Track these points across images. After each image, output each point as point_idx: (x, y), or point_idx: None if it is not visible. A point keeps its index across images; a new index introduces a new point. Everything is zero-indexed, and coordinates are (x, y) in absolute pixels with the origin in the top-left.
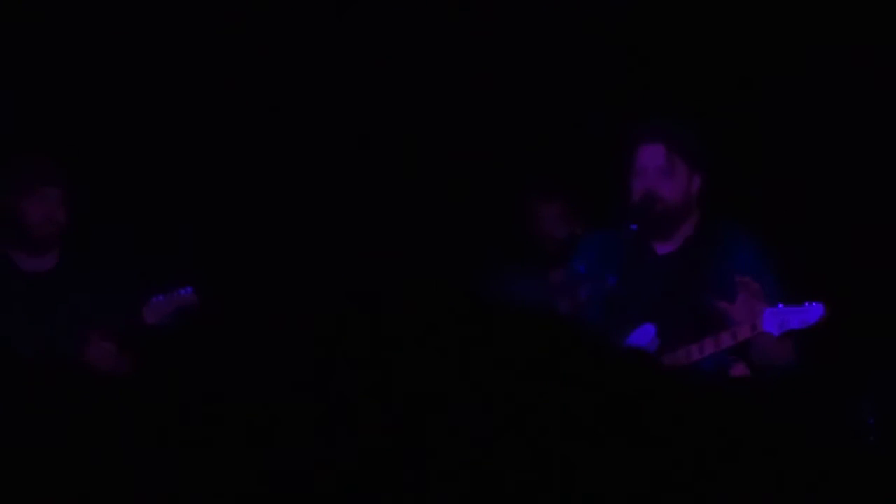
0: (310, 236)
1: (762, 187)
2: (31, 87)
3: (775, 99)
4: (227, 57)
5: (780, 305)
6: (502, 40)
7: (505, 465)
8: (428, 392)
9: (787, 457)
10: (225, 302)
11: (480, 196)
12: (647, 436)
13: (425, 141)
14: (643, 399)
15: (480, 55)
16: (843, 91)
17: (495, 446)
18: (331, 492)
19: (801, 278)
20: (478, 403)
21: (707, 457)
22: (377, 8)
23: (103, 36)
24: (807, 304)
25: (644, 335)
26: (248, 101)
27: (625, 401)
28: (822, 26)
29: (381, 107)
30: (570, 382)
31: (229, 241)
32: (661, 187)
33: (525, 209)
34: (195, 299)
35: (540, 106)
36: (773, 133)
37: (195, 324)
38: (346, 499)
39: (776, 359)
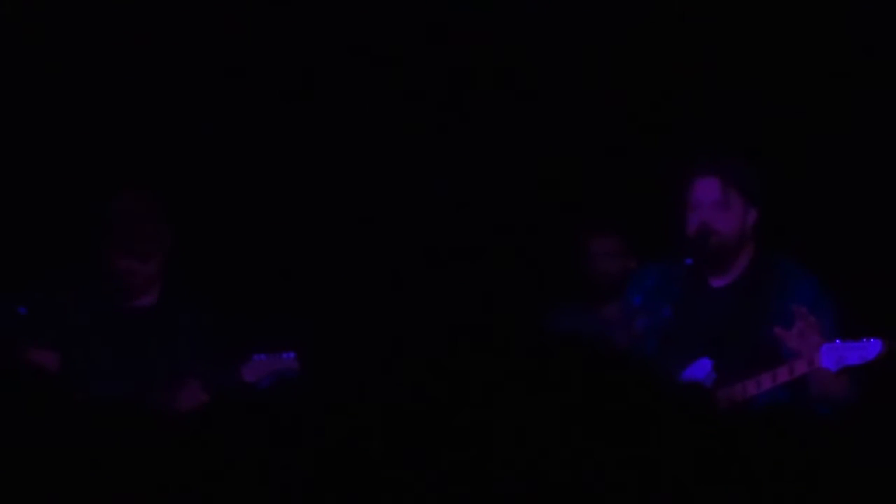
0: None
1: (818, 221)
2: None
3: (832, 132)
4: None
5: (838, 341)
6: (556, 73)
7: (562, 500)
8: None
9: (846, 494)
10: (324, 372)
11: (534, 233)
12: (702, 471)
13: (480, 178)
14: (700, 434)
15: (535, 89)
16: None
17: (552, 481)
18: None
19: (858, 315)
20: (535, 438)
21: (765, 494)
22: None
23: (190, 70)
24: (865, 340)
25: (700, 369)
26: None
27: (682, 435)
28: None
29: (436, 144)
30: (627, 417)
31: (335, 310)
32: (717, 221)
33: (578, 245)
34: (296, 365)
35: (594, 141)
36: (829, 166)
37: (291, 389)
38: None
39: (834, 394)
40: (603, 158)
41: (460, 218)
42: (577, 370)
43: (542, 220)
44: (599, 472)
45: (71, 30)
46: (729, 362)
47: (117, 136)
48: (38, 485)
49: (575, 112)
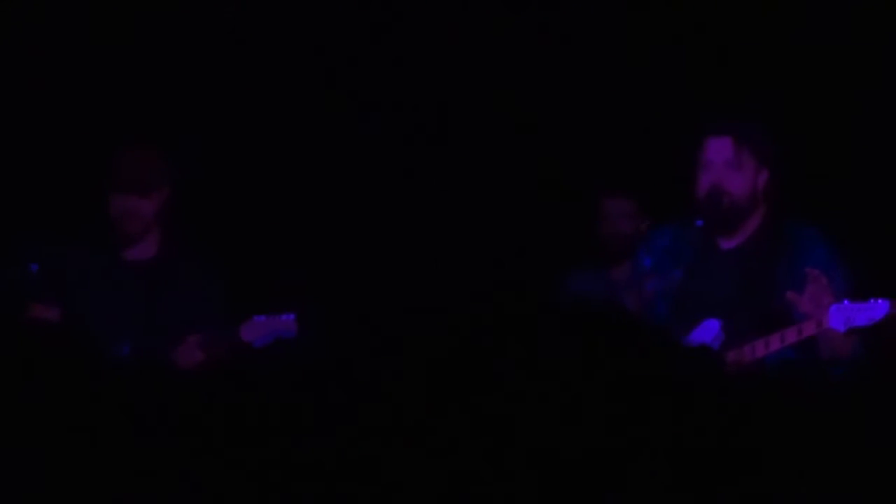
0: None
1: (831, 183)
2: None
3: (846, 97)
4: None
5: (846, 302)
6: (566, 38)
7: (565, 458)
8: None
9: (854, 457)
10: (323, 334)
11: (547, 193)
12: (707, 432)
13: (494, 139)
14: (707, 396)
15: (548, 52)
16: None
17: (555, 441)
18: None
19: (870, 275)
20: (537, 398)
21: (772, 455)
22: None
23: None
24: (872, 300)
25: (709, 330)
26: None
27: (687, 397)
28: None
29: (449, 106)
30: (632, 378)
31: (338, 272)
32: (728, 181)
33: (592, 205)
34: (295, 327)
35: (606, 103)
36: (844, 129)
37: (289, 351)
38: None
39: (843, 355)
40: (617, 121)
41: (474, 181)
42: (588, 335)
43: (558, 183)
44: (612, 438)
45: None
46: (738, 324)
47: (121, 94)
48: (36, 439)
49: (591, 76)
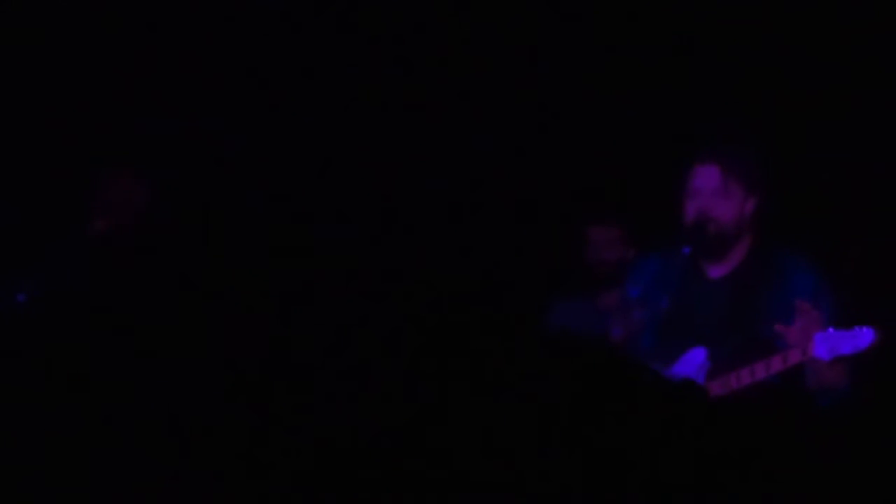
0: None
1: (818, 210)
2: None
3: (828, 122)
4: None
5: (831, 330)
6: (557, 65)
7: (548, 487)
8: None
9: (840, 483)
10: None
11: (535, 221)
12: (688, 466)
13: (482, 165)
14: (691, 430)
15: (535, 79)
16: None
17: (536, 471)
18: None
19: (857, 304)
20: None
21: (755, 485)
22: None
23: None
24: (857, 328)
25: (695, 358)
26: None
27: (672, 431)
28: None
29: (438, 129)
30: (613, 413)
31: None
32: (715, 208)
33: (579, 233)
34: None
35: (594, 130)
36: (830, 156)
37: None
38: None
39: (829, 384)
40: (605, 149)
41: (464, 208)
42: (572, 367)
43: (544, 210)
44: (590, 465)
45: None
46: (724, 352)
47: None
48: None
49: (576, 103)
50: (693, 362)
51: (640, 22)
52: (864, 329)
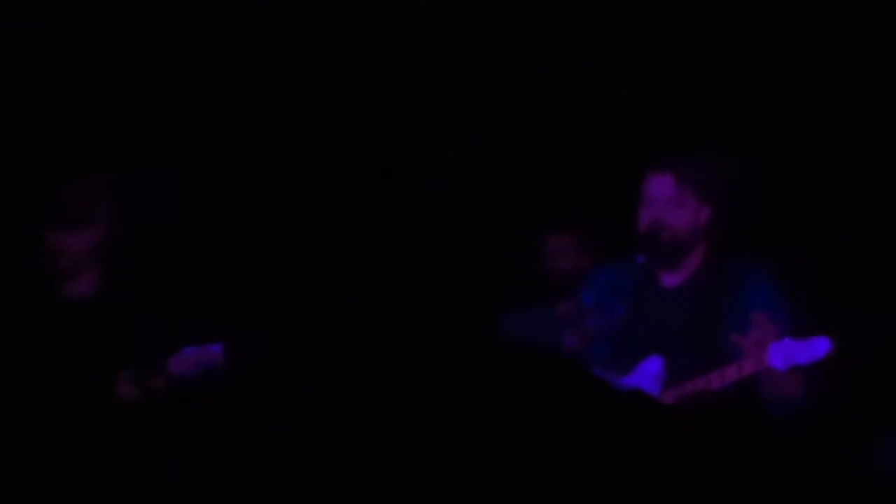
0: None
1: (776, 219)
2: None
3: (791, 132)
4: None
5: (787, 340)
6: (510, 72)
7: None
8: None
9: (794, 492)
10: (250, 364)
11: (490, 229)
12: (637, 478)
13: (434, 173)
14: (643, 440)
15: (491, 84)
16: (863, 129)
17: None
18: None
19: (813, 313)
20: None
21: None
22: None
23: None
24: (813, 338)
25: (651, 368)
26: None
27: (622, 445)
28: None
29: (391, 135)
30: (563, 424)
31: (265, 302)
32: (669, 217)
33: (534, 242)
34: (222, 358)
35: (549, 137)
36: (787, 164)
37: (217, 383)
38: None
39: (785, 394)
40: (560, 157)
41: (418, 218)
42: (525, 376)
43: (499, 218)
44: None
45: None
46: (680, 362)
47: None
48: None
49: (531, 110)
50: (649, 372)
51: (595, 27)
52: (820, 339)
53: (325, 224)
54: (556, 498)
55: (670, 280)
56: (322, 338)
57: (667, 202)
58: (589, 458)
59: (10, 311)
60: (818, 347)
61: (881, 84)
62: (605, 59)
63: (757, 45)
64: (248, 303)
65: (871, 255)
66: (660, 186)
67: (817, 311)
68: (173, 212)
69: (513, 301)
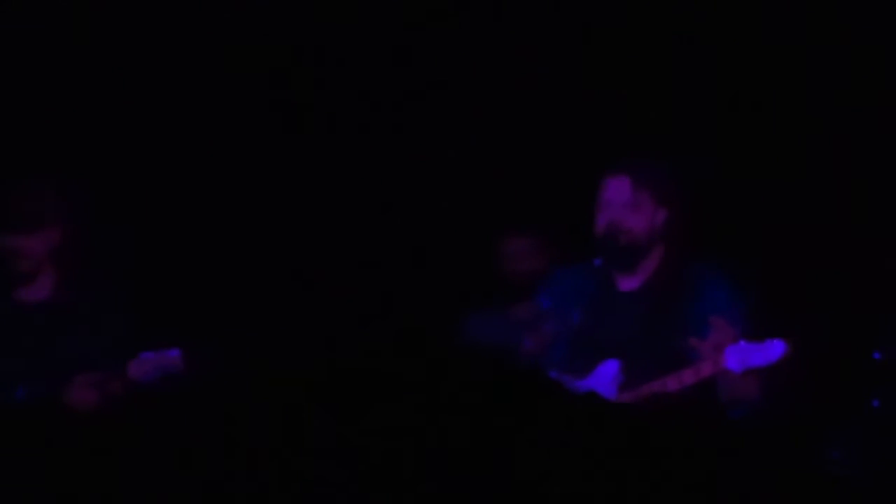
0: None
1: (731, 222)
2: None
3: (746, 135)
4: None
5: (743, 342)
6: (474, 74)
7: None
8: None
9: (750, 493)
10: (209, 369)
11: (448, 231)
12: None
13: (394, 174)
14: (598, 442)
15: (450, 88)
16: (814, 133)
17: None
18: None
19: (769, 316)
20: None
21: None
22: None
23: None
24: (769, 341)
25: (608, 371)
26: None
27: (578, 444)
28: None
29: (348, 138)
30: (519, 426)
31: (223, 306)
32: (626, 220)
33: (492, 244)
34: (181, 363)
35: (508, 140)
36: (743, 167)
37: (176, 387)
38: None
39: (742, 396)
40: (518, 160)
41: (376, 219)
42: (479, 381)
43: (458, 220)
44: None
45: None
46: (637, 365)
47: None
48: None
49: (490, 112)
50: (605, 375)
51: (555, 27)
52: (776, 341)
53: (282, 227)
54: (512, 496)
55: (627, 283)
56: (280, 341)
57: (624, 205)
58: (544, 458)
59: None
60: (774, 350)
61: (832, 85)
62: (562, 63)
63: (712, 48)
64: (206, 307)
65: (826, 257)
66: (617, 190)
67: (773, 313)
68: (128, 216)
69: (471, 303)
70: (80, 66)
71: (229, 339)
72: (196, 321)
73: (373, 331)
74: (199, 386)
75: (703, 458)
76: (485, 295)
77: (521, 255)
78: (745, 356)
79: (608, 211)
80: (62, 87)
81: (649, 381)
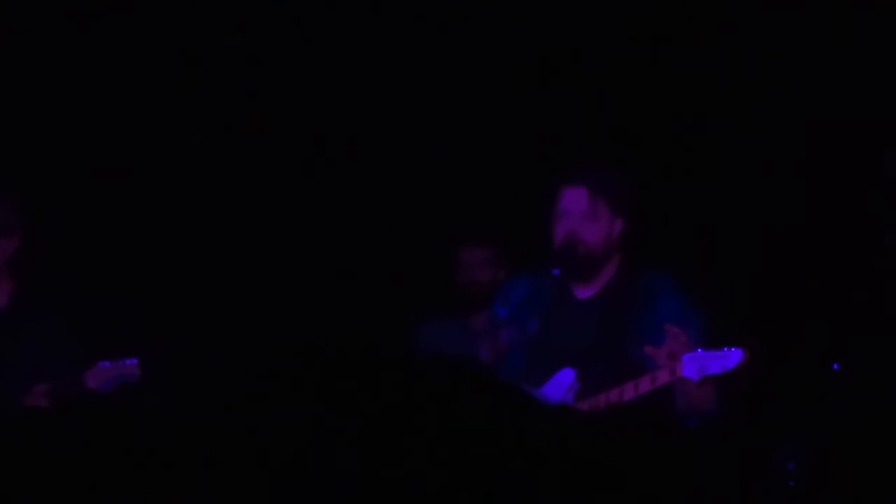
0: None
1: (688, 230)
2: None
3: (702, 144)
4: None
5: (700, 350)
6: (426, 80)
7: None
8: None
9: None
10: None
11: (405, 241)
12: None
13: (352, 184)
14: (558, 451)
15: (408, 95)
16: (773, 140)
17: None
18: None
19: (726, 324)
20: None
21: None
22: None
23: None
24: (726, 349)
25: (564, 380)
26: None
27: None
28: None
29: (310, 152)
30: (478, 435)
31: (181, 315)
32: (583, 230)
33: (449, 254)
34: (138, 372)
35: (467, 151)
36: (692, 174)
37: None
38: None
39: (698, 405)
40: (475, 169)
41: (333, 228)
42: (438, 389)
43: (414, 230)
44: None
45: None
46: (593, 373)
47: None
48: None
49: (448, 123)
50: (562, 383)
51: (507, 39)
52: (733, 349)
53: (239, 233)
54: (470, 499)
55: (584, 292)
56: (233, 346)
57: (581, 215)
58: (513, 465)
59: None
60: (731, 358)
61: (786, 94)
62: (518, 72)
63: (668, 58)
64: (162, 316)
65: (781, 265)
66: (574, 199)
67: (730, 322)
68: (86, 224)
69: (427, 312)
70: (47, 72)
71: (184, 347)
72: (151, 330)
73: (327, 339)
74: (155, 395)
75: (659, 466)
76: (441, 305)
77: (477, 265)
78: (703, 364)
79: (565, 221)
80: (23, 97)
81: (605, 389)
